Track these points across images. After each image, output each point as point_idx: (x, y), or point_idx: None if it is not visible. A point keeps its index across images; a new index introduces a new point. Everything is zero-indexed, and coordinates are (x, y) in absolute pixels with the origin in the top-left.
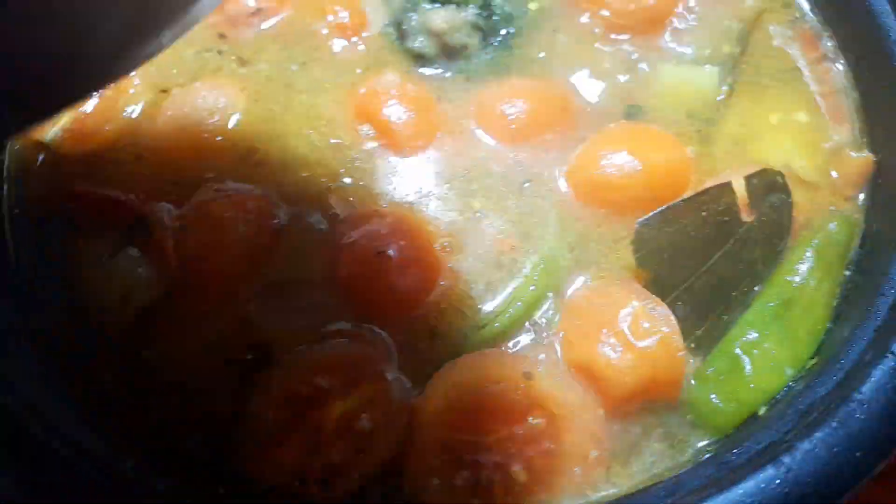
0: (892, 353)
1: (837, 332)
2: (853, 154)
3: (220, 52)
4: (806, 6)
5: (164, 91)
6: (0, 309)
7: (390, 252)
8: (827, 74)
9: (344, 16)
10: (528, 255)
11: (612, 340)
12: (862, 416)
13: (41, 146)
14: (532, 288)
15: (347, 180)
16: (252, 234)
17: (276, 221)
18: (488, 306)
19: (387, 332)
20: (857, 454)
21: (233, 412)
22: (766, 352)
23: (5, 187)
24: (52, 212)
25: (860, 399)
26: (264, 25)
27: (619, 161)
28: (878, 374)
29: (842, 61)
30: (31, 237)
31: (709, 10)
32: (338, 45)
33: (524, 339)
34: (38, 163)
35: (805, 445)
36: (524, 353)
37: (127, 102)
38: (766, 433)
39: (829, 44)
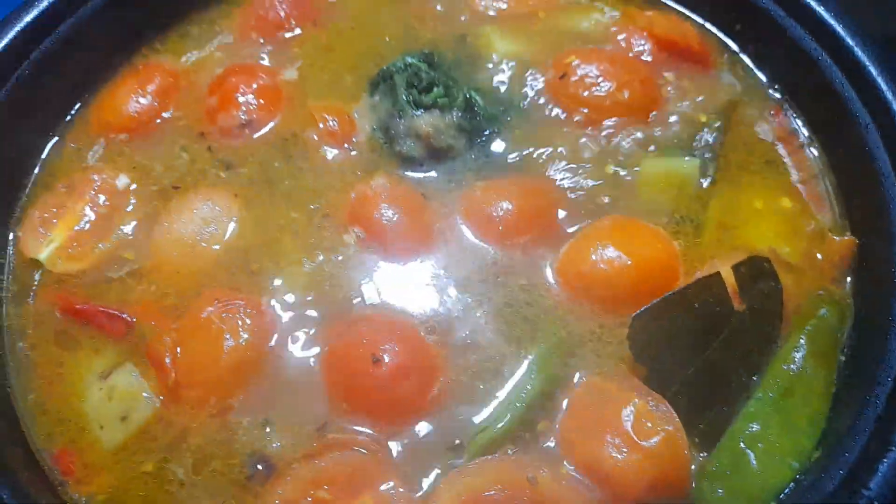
0: None
1: (838, 421)
2: (836, 237)
3: (209, 149)
4: (779, 96)
5: (176, 188)
6: None
7: (385, 359)
8: (804, 161)
9: (333, 123)
10: (523, 354)
11: (617, 441)
12: None
13: (36, 265)
14: (529, 387)
15: (339, 284)
16: (250, 345)
17: (272, 331)
18: (486, 410)
19: (385, 439)
20: None
21: None
22: (770, 444)
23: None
24: (46, 330)
25: (869, 496)
26: (255, 136)
27: (608, 256)
28: (884, 468)
29: (817, 146)
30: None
31: (685, 103)
32: (329, 151)
33: (525, 441)
34: (35, 282)
35: None
36: (527, 456)
37: (123, 219)
38: None
39: (804, 131)
